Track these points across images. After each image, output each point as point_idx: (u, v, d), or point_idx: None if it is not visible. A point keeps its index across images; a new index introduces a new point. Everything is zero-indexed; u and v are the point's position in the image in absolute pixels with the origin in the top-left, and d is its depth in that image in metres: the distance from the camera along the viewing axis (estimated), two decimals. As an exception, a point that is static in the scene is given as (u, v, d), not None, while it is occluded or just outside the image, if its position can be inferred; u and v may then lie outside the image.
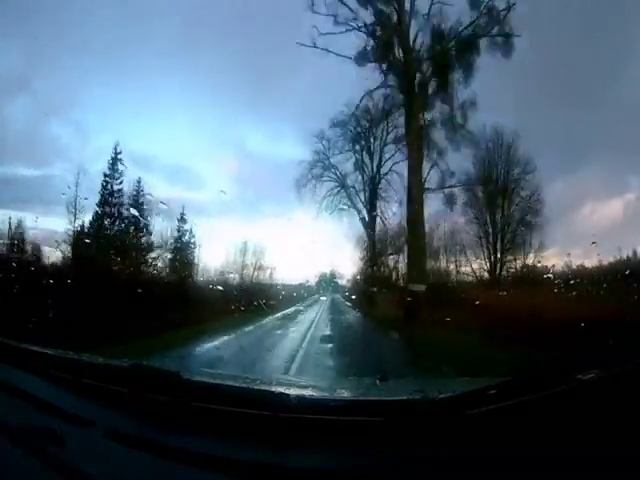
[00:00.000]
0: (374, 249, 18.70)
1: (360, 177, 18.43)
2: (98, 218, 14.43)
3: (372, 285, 18.04)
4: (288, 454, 0.94)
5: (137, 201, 15.01)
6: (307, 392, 1.46)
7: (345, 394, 1.54)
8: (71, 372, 1.35)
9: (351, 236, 18.93)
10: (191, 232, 16.56)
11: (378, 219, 18.56)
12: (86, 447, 0.99)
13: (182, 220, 16.58)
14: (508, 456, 0.88)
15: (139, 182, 14.90)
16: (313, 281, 21.95)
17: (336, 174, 18.49)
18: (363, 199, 18.50)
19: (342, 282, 22.98)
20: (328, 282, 23.21)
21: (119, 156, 14.53)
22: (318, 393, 1.51)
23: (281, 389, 1.30)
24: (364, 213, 18.40)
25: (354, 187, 18.68)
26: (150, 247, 15.02)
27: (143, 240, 15.09)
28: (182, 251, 16.26)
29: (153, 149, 20.57)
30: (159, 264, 15.14)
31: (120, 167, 14.51)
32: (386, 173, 18.33)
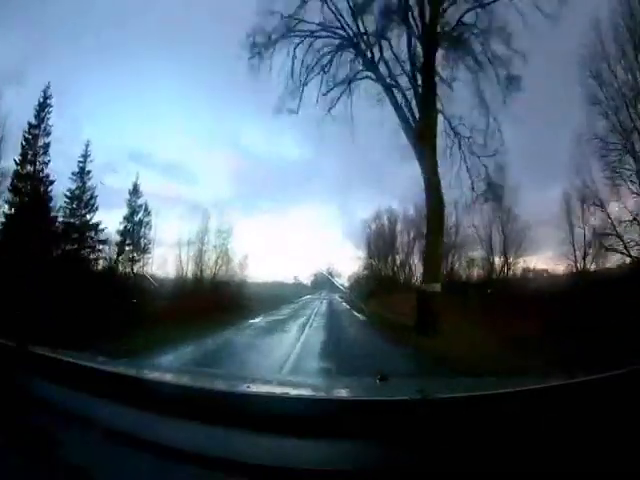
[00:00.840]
0: (437, 183, 9.25)
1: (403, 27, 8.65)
2: (17, 182, 10.65)
3: (432, 279, 8.87)
4: (288, 454, 0.94)
5: (83, 169, 11.54)
6: (307, 392, 1.46)
7: (345, 394, 1.54)
8: (71, 372, 1.35)
9: (351, 233, 15.64)
10: (146, 209, 12.61)
11: (440, 119, 9.21)
12: (86, 447, 0.99)
13: (134, 193, 12.50)
14: (509, 456, 0.88)
15: (87, 145, 11.39)
16: (308, 279, 19.48)
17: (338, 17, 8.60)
18: (410, 72, 9.13)
19: (340, 280, 18.23)
20: (325, 281, 18.85)
21: (49, 101, 11.23)
22: (318, 393, 1.51)
23: (281, 389, 1.30)
24: (410, 98, 9.09)
25: (389, 42, 8.87)
26: (90, 227, 11.45)
27: (88, 217, 11.53)
28: (131, 234, 12.33)
29: (149, 145, 19.96)
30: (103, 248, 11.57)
31: (49, 116, 10.96)
32: (453, 28, 8.90)
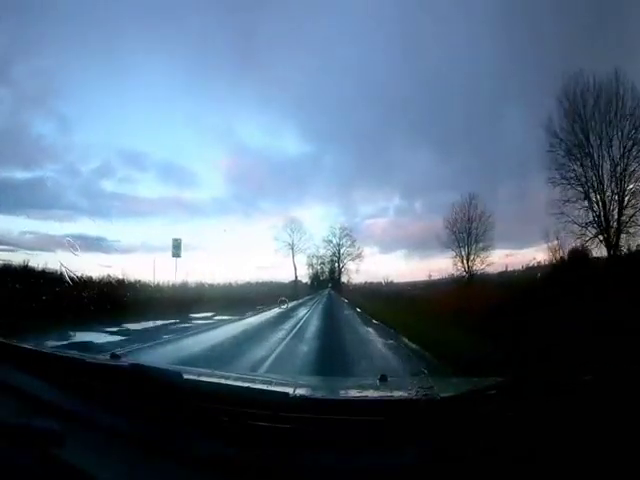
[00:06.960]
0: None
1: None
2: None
3: None
4: (288, 454, 0.94)
5: None
6: (307, 392, 1.46)
7: (345, 394, 1.55)
8: (71, 372, 1.34)
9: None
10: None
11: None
12: (86, 447, 0.99)
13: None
14: (508, 455, 0.88)
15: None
16: (308, 277, 15.82)
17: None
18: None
19: (350, 279, 14.09)
20: (328, 279, 15.36)
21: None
22: (318, 393, 1.51)
23: (281, 389, 1.31)
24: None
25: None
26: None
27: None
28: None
29: (144, 146, 19.66)
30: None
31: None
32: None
